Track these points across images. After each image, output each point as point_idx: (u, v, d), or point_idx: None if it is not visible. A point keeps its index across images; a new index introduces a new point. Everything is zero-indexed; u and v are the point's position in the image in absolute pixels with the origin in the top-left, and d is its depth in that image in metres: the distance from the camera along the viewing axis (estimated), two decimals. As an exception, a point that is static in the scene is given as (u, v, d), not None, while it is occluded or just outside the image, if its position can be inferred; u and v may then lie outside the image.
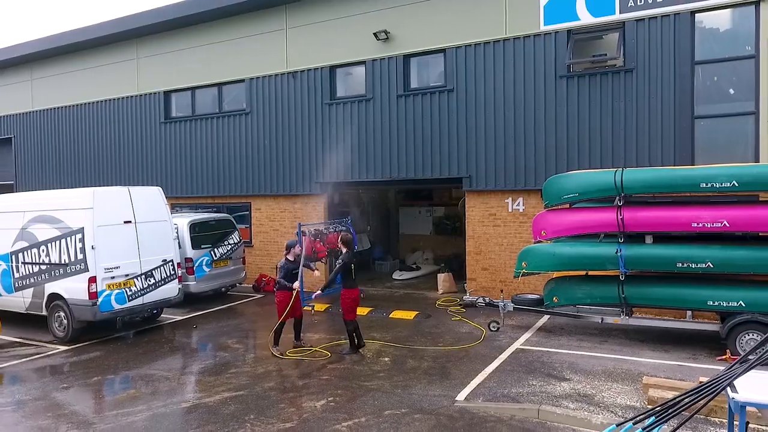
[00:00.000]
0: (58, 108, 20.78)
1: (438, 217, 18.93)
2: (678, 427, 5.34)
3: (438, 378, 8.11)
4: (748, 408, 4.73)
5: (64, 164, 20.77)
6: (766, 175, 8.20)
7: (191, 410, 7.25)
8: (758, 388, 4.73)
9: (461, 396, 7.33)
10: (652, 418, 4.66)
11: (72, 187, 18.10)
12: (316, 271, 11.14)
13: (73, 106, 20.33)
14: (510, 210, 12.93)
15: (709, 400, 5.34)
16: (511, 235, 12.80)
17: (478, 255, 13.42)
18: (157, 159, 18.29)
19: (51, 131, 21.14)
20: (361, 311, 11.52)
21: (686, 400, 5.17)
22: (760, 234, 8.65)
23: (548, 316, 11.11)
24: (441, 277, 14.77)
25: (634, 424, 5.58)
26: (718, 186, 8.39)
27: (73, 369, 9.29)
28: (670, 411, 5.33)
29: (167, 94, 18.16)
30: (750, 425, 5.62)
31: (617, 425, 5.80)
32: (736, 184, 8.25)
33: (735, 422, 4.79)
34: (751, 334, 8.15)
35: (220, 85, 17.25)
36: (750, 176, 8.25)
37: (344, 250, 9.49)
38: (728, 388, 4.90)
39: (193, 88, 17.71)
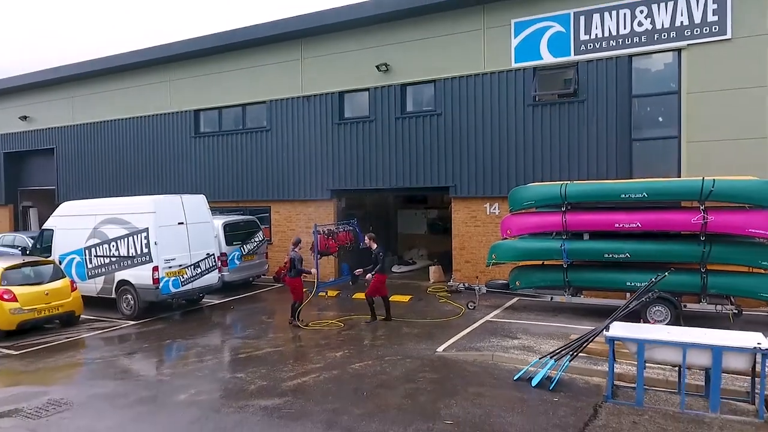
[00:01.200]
0: (97, 122, 23.74)
1: (431, 218, 21.85)
2: (575, 355, 8.30)
3: (424, 339, 11.01)
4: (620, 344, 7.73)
5: (103, 172, 23.71)
6: (666, 189, 11.12)
7: (246, 359, 10.16)
8: (621, 331, 7.70)
9: (440, 349, 10.24)
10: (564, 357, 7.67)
11: (111, 193, 21.15)
12: (312, 271, 13.89)
13: (112, 121, 23.28)
14: (488, 213, 15.86)
15: (592, 339, 8.39)
16: (489, 233, 15.69)
17: (462, 250, 16.35)
18: (189, 168, 21.22)
19: (90, 143, 24.08)
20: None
21: (580, 341, 8.28)
22: (663, 232, 11.55)
23: (516, 298, 13.99)
24: (432, 269, 17.71)
25: (551, 357, 8.62)
26: (633, 196, 11.30)
27: (146, 336, 12.23)
28: (569, 347, 8.40)
29: (197, 112, 21.11)
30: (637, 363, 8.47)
31: (539, 358, 8.87)
32: (646, 195, 11.17)
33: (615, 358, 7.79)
34: (657, 307, 11.04)
35: (244, 105, 20.20)
36: (654, 190, 11.17)
37: (374, 246, 12.45)
38: (604, 331, 7.86)
39: (220, 108, 20.67)
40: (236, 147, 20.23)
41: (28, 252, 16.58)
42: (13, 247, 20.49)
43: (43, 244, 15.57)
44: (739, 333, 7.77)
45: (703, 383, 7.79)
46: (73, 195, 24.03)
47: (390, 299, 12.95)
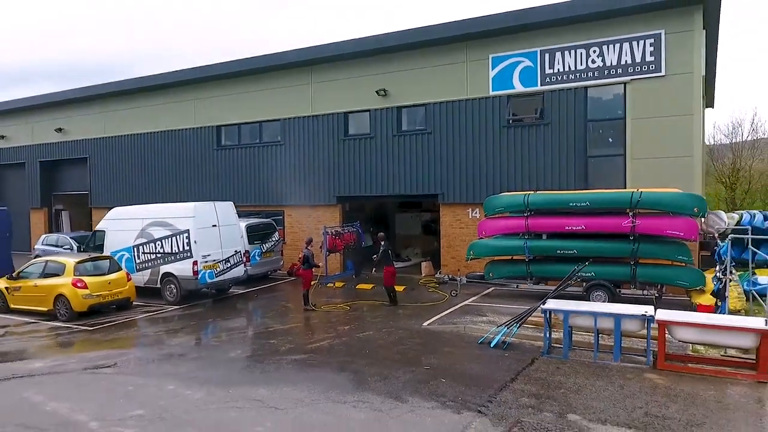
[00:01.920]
0: (128, 135, 26.73)
1: (425, 221, 24.80)
2: (521, 324, 11.23)
3: (414, 317, 13.96)
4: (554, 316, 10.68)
5: (132, 180, 26.70)
6: (604, 199, 14.08)
7: (274, 332, 13.13)
8: (552, 305, 10.64)
9: (425, 324, 13.21)
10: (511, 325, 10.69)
11: (140, 199, 24.13)
12: (320, 265, 16.89)
13: (142, 134, 26.27)
14: (470, 217, 18.82)
15: (532, 312, 11.36)
16: (471, 234, 18.60)
17: (449, 248, 19.32)
18: (212, 176, 24.20)
19: (121, 153, 27.08)
20: (368, 287, 17.45)
21: (524, 314, 11.29)
22: (602, 233, 14.50)
23: (492, 287, 16.94)
24: (423, 264, 20.69)
25: (505, 326, 11.57)
26: (579, 205, 14.25)
27: (190, 317, 15.20)
28: (516, 318, 11.38)
29: (219, 127, 24.10)
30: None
31: (496, 327, 11.85)
32: (589, 204, 14.12)
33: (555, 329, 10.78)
34: (597, 292, 13.98)
35: (260, 122, 23.18)
36: (595, 199, 14.13)
37: (382, 243, 15.42)
38: (541, 306, 10.81)
39: (239, 124, 23.66)
40: (254, 158, 23.22)
41: (82, 249, 19.55)
42: (56, 246, 23.44)
43: (95, 242, 18.54)
44: (636, 306, 10.71)
45: (618, 344, 10.74)
46: (104, 200, 27.10)
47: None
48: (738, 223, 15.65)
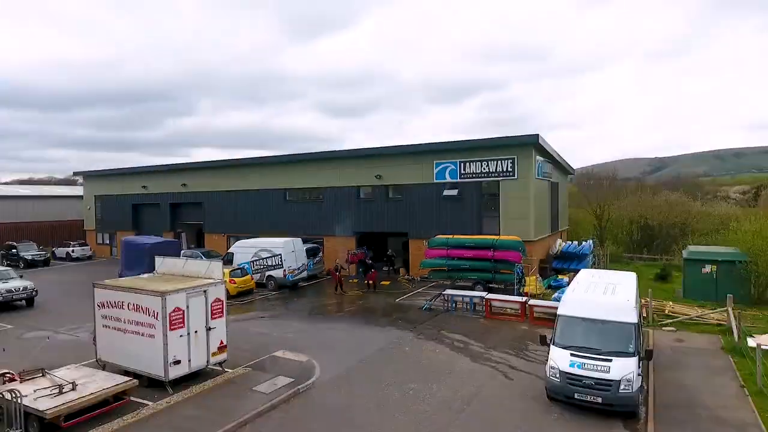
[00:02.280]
0: (231, 191, 37.62)
1: (403, 242, 35.53)
2: (436, 299, 22.20)
3: (392, 296, 24.68)
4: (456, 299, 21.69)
5: (232, 217, 37.55)
6: (480, 241, 24.83)
7: (324, 303, 23.91)
8: (449, 291, 21.59)
9: (397, 300, 24.00)
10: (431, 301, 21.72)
11: (237, 231, 34.90)
12: (343, 270, 27.65)
13: (238, 190, 37.17)
14: (423, 245, 29.59)
15: (440, 295, 22.38)
16: (422, 255, 29.39)
17: (413, 262, 30.15)
18: (281, 219, 35.05)
19: (225, 200, 37.96)
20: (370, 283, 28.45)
21: (437, 295, 22.55)
22: (481, 258, 25.25)
23: (433, 283, 27.66)
24: (401, 270, 31.52)
25: (430, 300, 22.64)
26: (471, 243, 25.02)
27: (283, 297, 25.97)
28: (435, 296, 22.48)
29: (285, 189, 34.98)
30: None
31: (427, 300, 22.99)
32: (475, 243, 24.90)
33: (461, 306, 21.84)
34: (478, 285, 24.72)
35: (309, 189, 34.07)
36: (476, 241, 24.90)
37: (368, 260, 26.23)
38: (443, 291, 21.71)
39: (297, 189, 34.55)
40: (306, 208, 34.06)
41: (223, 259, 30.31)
42: (192, 257, 34.17)
43: (229, 258, 29.30)
44: (481, 291, 21.46)
45: (472, 308, 21.50)
46: (212, 228, 37.96)
47: (381, 283, 26.68)
48: (561, 248, 26.64)
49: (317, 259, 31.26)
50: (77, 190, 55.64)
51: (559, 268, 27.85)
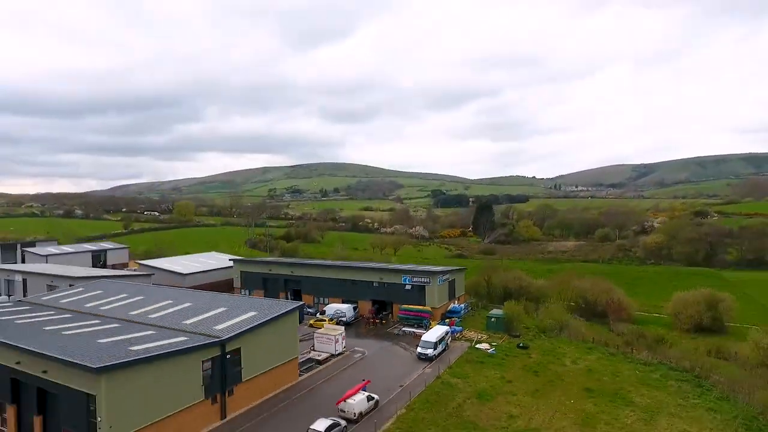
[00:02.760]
0: (314, 276, 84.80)
1: (391, 305, 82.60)
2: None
3: (384, 328, 71.66)
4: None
5: (316, 288, 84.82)
6: (416, 309, 71.70)
7: (361, 331, 71.02)
8: (405, 329, 69.55)
9: (387, 330, 71.03)
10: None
11: (319, 295, 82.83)
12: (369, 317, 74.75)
13: (318, 277, 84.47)
14: (398, 308, 76.69)
15: (402, 330, 71.03)
16: (397, 312, 76.31)
17: (395, 315, 77.25)
18: (339, 291, 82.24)
19: (311, 280, 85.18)
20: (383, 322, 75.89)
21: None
22: (417, 315, 72.19)
23: (402, 324, 74.38)
24: (390, 317, 78.69)
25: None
26: (415, 309, 71.93)
27: (348, 328, 73.32)
28: (402, 330, 71.40)
29: (340, 279, 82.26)
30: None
31: (397, 332, 71.93)
32: (415, 310, 71.87)
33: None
34: (414, 327, 71.58)
35: (352, 279, 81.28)
36: (416, 309, 71.92)
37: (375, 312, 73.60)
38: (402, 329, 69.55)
39: (345, 279, 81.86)
40: (349, 287, 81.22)
41: (322, 313, 77.69)
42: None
43: (324, 312, 76.18)
44: (414, 329, 68.47)
45: (411, 334, 68.35)
46: (306, 292, 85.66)
47: (381, 322, 73.44)
48: (449, 308, 74.52)
49: (356, 311, 77.97)
50: (225, 261, 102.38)
51: (448, 317, 74.47)
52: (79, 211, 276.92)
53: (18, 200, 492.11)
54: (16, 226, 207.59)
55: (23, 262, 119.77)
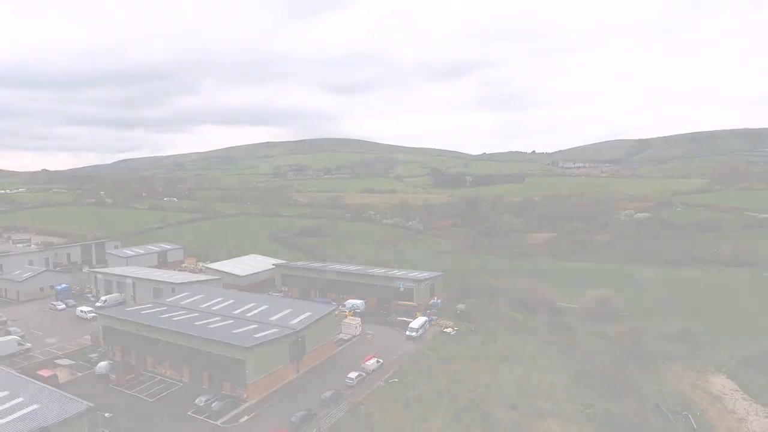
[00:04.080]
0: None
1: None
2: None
3: (387, 318, 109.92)
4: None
5: (336, 287, 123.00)
6: (407, 305, 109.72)
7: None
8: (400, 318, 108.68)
9: (387, 318, 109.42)
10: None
11: (339, 293, 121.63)
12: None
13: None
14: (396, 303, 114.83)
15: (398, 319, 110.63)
16: (396, 305, 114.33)
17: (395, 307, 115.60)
18: (355, 291, 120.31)
19: (333, 282, 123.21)
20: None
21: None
22: (407, 309, 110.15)
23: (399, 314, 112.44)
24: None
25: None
26: (406, 303, 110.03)
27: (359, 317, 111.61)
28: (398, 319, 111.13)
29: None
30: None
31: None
32: (406, 305, 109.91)
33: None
34: (405, 316, 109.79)
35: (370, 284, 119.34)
36: (406, 305, 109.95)
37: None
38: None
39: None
40: (366, 289, 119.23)
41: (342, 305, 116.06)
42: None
43: (344, 305, 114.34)
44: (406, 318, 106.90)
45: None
46: (327, 290, 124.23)
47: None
48: (430, 303, 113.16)
49: (366, 304, 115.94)
50: (265, 263, 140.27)
51: (428, 310, 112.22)
52: (109, 201, 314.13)
53: (34, 178, 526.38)
54: (59, 218, 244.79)
55: (100, 261, 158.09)
